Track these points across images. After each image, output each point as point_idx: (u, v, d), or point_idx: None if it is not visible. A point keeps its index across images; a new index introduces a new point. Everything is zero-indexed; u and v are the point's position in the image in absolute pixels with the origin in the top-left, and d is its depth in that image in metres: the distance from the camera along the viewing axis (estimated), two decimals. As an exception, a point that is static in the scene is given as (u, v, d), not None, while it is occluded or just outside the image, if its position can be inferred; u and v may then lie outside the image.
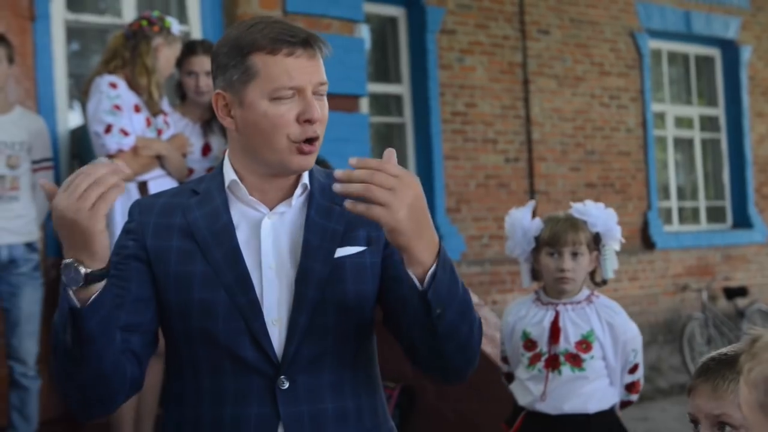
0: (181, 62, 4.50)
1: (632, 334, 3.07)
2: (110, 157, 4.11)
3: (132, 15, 5.14)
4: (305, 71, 1.84)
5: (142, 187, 4.18)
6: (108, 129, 4.11)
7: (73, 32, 5.17)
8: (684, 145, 10.19)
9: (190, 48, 4.53)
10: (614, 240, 3.14)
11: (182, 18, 5.38)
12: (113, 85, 4.15)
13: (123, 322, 1.83)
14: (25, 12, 4.76)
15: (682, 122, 10.17)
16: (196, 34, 5.31)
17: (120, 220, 4.13)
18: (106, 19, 5.30)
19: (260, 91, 1.83)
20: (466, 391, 5.03)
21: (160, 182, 4.19)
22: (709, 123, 10.30)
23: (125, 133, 4.13)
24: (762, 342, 1.51)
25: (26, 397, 4.27)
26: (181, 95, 4.69)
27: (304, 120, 1.84)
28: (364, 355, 1.94)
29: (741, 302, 9.62)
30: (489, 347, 4.75)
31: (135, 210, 1.94)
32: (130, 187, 4.17)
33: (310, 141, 1.86)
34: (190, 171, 4.43)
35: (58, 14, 4.92)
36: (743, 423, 1.45)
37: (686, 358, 8.91)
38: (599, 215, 3.12)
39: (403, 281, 1.81)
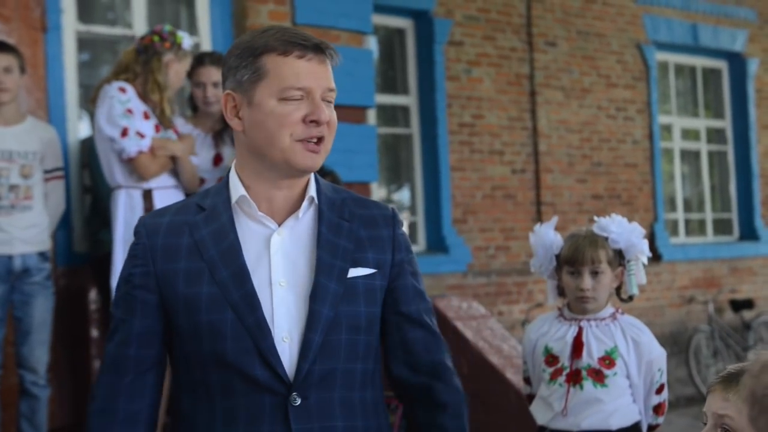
0: (190, 73, 4.53)
1: (658, 353, 3.02)
2: (130, 160, 4.13)
3: (142, 26, 5.17)
4: (315, 75, 1.86)
5: (147, 194, 4.20)
6: (124, 132, 4.14)
7: (84, 43, 5.20)
8: (691, 157, 10.20)
9: (198, 59, 4.57)
10: (641, 254, 3.07)
11: (192, 29, 5.42)
12: (122, 90, 4.18)
13: (133, 357, 1.88)
14: (37, 23, 4.80)
15: (689, 134, 10.18)
16: (206, 45, 5.35)
17: (122, 221, 4.18)
18: (116, 30, 5.34)
19: (269, 91, 1.84)
20: (472, 402, 5.04)
21: (166, 193, 4.21)
22: (715, 135, 10.31)
23: (141, 136, 4.16)
24: (759, 361, 1.55)
25: (36, 406, 4.29)
26: (193, 107, 4.73)
27: (311, 120, 1.85)
28: (372, 376, 1.95)
29: (747, 315, 9.60)
30: (495, 358, 4.76)
31: (141, 231, 1.93)
32: (134, 194, 4.20)
33: (313, 141, 1.86)
34: (202, 181, 4.46)
35: (70, 25, 4.96)
36: (738, 427, 1.55)
37: (692, 370, 8.89)
38: (621, 231, 3.05)
39: (403, 315, 1.96)
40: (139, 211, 4.16)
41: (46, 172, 4.40)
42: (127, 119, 4.14)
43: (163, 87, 4.25)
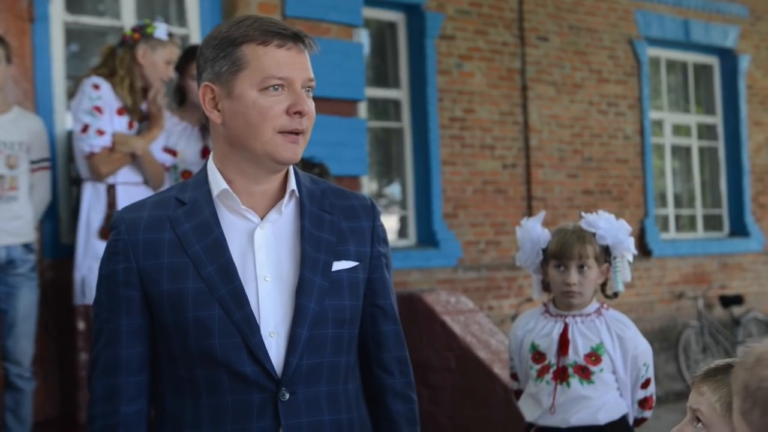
0: (184, 66, 4.50)
1: (643, 348, 3.03)
2: (85, 158, 4.22)
3: (131, 17, 5.15)
4: (295, 64, 1.85)
5: (110, 189, 4.23)
6: (84, 129, 4.20)
7: (72, 34, 5.17)
8: (681, 153, 10.21)
9: (193, 51, 4.54)
10: (626, 252, 3.07)
11: (182, 22, 5.39)
12: (96, 87, 4.23)
13: (123, 357, 1.85)
14: (25, 13, 4.77)
15: (680, 130, 10.19)
16: (196, 38, 5.32)
17: (85, 214, 4.24)
18: (105, 21, 5.31)
19: (250, 81, 1.83)
20: (459, 397, 5.03)
21: (131, 189, 4.23)
22: (706, 131, 10.32)
23: (101, 133, 4.19)
24: (752, 353, 1.54)
25: (21, 399, 4.26)
26: (179, 99, 4.70)
27: (294, 111, 1.84)
28: (353, 369, 1.96)
29: (737, 311, 9.63)
30: (483, 352, 4.76)
31: (121, 227, 1.89)
32: (99, 187, 4.25)
33: (295, 133, 1.85)
34: (189, 173, 4.44)
35: (57, 16, 4.93)
36: (708, 421, 1.65)
37: (681, 365, 8.91)
38: (608, 228, 3.05)
39: (379, 308, 1.99)
40: (101, 206, 4.22)
41: (33, 162, 4.37)
42: (90, 116, 4.19)
43: (123, 78, 4.26)
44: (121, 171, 4.28)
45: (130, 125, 4.30)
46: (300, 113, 1.84)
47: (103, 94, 4.21)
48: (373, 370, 2.00)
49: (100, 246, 4.14)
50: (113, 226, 1.91)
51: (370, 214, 2.00)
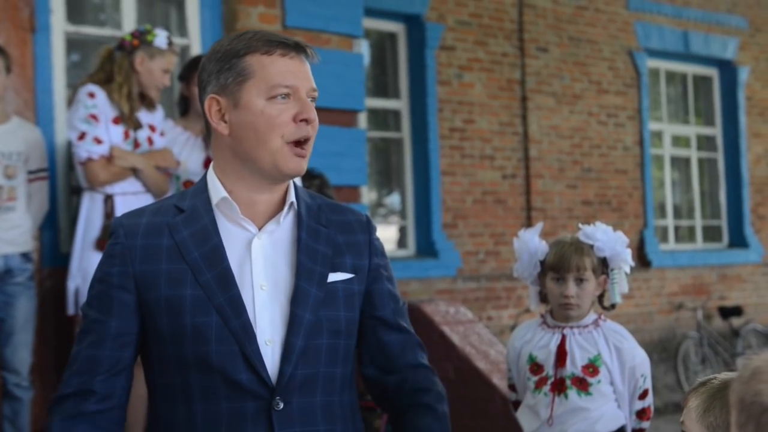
0: (190, 74, 4.50)
1: (641, 359, 3.02)
2: (81, 165, 4.21)
3: (132, 27, 5.15)
4: (299, 73, 1.87)
5: (108, 199, 4.22)
6: (81, 136, 4.19)
7: (73, 44, 5.18)
8: (681, 164, 10.22)
9: (200, 60, 4.55)
10: (624, 263, 3.08)
11: (182, 31, 5.40)
12: (91, 95, 4.21)
13: (107, 358, 1.84)
14: (26, 23, 4.78)
15: (680, 141, 10.20)
16: (196, 47, 5.33)
17: (83, 224, 4.23)
18: (106, 31, 5.31)
19: (257, 91, 1.84)
20: (458, 407, 5.03)
21: (130, 199, 4.22)
22: (706, 142, 10.33)
23: (99, 142, 4.18)
24: (749, 367, 1.55)
25: (19, 408, 4.26)
26: (182, 109, 4.69)
27: (301, 119, 1.85)
28: (349, 380, 1.96)
29: (736, 322, 9.62)
30: (482, 363, 4.76)
31: (120, 231, 1.90)
32: (96, 197, 4.23)
33: (302, 142, 1.87)
34: (191, 183, 4.44)
35: (59, 26, 4.94)
36: (687, 429, 1.72)
37: (680, 377, 8.90)
38: (606, 239, 3.05)
39: (379, 320, 1.98)
40: (98, 216, 4.20)
41: (30, 172, 4.38)
42: (86, 124, 4.18)
43: (122, 85, 4.25)
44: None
45: (126, 135, 4.28)
46: (306, 120, 1.86)
47: (99, 102, 4.21)
48: (382, 378, 2.02)
49: (96, 257, 4.14)
50: (112, 231, 1.92)
51: (365, 228, 2.01)
